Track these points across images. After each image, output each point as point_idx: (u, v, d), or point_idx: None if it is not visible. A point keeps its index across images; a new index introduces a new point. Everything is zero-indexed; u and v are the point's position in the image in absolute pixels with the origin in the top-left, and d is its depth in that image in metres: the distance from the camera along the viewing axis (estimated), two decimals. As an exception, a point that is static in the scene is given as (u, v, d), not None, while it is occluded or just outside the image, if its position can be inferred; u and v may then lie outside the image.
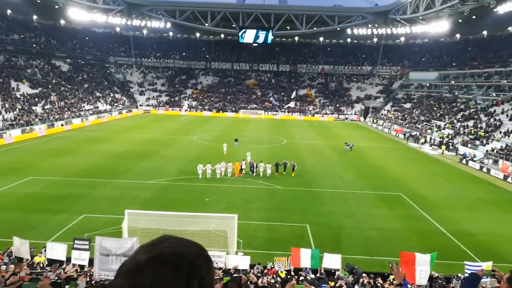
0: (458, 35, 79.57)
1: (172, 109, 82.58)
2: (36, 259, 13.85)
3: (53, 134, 48.86)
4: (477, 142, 44.45)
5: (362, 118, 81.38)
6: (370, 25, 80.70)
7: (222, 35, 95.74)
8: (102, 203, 22.57)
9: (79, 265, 13.41)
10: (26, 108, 52.47)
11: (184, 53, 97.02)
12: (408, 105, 74.28)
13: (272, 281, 12.11)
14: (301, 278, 12.86)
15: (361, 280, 12.29)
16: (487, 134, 45.81)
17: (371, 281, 12.30)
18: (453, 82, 72.21)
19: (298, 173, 31.08)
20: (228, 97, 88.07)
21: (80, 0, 69.24)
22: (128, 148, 39.93)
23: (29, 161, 32.97)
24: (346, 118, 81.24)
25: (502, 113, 49.62)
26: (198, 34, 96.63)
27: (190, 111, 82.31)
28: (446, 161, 41.08)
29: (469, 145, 44.53)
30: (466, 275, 12.12)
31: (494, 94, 57.29)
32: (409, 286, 11.06)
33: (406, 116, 68.41)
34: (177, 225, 15.70)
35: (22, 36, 71.66)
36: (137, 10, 79.39)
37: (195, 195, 25.09)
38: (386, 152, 44.61)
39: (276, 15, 79.27)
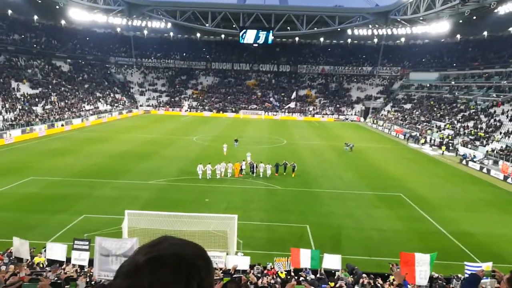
0: (458, 36, 79.57)
1: (173, 110, 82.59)
2: (36, 260, 13.86)
3: (53, 134, 48.88)
4: (477, 143, 44.42)
5: (362, 119, 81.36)
6: (370, 26, 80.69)
7: (223, 36, 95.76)
8: (102, 204, 22.57)
9: (79, 266, 13.40)
10: (26, 108, 52.50)
11: (184, 54, 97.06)
12: (408, 106, 74.26)
13: (272, 281, 12.11)
14: (301, 278, 12.85)
15: (361, 280, 12.28)
16: (487, 135, 45.79)
17: (371, 281, 12.30)
18: (453, 82, 72.19)
19: (298, 173, 31.07)
20: (229, 97, 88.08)
21: (80, 0, 69.31)
22: (128, 149, 39.93)
23: (29, 161, 32.98)
24: (346, 119, 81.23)
25: (502, 113, 49.58)
26: (198, 35, 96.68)
27: (190, 111, 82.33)
28: (446, 162, 41.07)
29: (469, 146, 44.51)
30: (466, 275, 12.12)
31: (494, 95, 57.25)
32: (409, 286, 11.05)
33: (406, 116, 68.39)
34: (177, 225, 15.70)
35: (22, 36, 71.71)
36: (138, 11, 79.44)
37: (195, 195, 25.09)
38: (386, 153, 44.60)
39: (277, 15, 79.30)
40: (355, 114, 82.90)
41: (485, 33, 72.90)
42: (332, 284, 11.93)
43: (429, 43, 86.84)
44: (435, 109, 65.02)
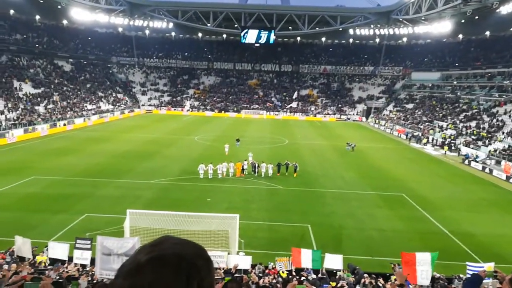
0: (460, 36, 79.36)
1: (174, 109, 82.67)
2: (38, 258, 13.89)
3: (56, 133, 48.99)
4: (480, 143, 44.31)
5: (364, 119, 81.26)
6: (372, 26, 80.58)
7: (224, 35, 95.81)
8: (104, 203, 22.61)
9: (81, 265, 13.43)
10: (28, 107, 52.63)
11: (186, 53, 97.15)
12: (410, 106, 74.12)
13: (274, 281, 12.11)
14: (303, 278, 12.85)
15: (362, 280, 12.27)
16: (490, 135, 45.67)
17: (373, 281, 12.28)
18: (455, 82, 72.03)
19: (299, 173, 31.06)
20: (230, 97, 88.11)
21: (82, 0, 69.45)
22: (130, 148, 40.00)
23: (31, 160, 33.06)
24: (348, 119, 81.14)
25: (505, 113, 49.46)
26: (200, 34, 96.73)
27: (192, 111, 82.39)
28: (448, 162, 40.99)
29: (471, 146, 44.41)
30: (468, 275, 12.09)
31: (496, 95, 57.09)
32: (410, 286, 11.03)
33: (408, 116, 68.27)
34: (179, 225, 15.72)
35: (24, 36, 71.91)
36: (140, 10, 79.57)
37: (197, 195, 25.12)
38: (388, 153, 44.54)
39: (278, 15, 79.29)
40: (357, 114, 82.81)
41: (487, 32, 72.72)
42: (334, 284, 11.92)
43: (431, 43, 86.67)
44: (437, 109, 64.88)
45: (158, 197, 24.41)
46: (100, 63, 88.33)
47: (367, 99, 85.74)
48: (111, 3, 73.42)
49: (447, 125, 55.10)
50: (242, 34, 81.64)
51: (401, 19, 75.13)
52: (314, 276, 13.41)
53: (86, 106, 64.86)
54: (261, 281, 11.65)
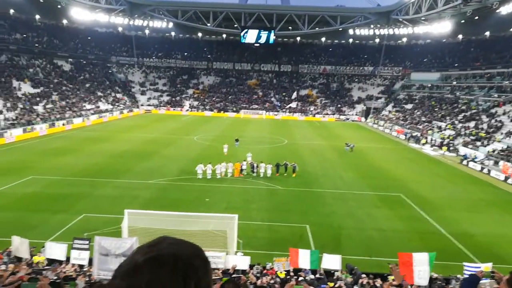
0: (460, 36, 79.40)
1: (173, 109, 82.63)
2: (36, 259, 13.86)
3: (54, 133, 48.96)
4: (478, 143, 44.33)
5: (363, 119, 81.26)
6: (372, 26, 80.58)
7: (224, 35, 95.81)
8: (102, 203, 22.58)
9: (79, 265, 13.41)
10: (27, 107, 52.58)
11: (186, 53, 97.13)
12: (409, 106, 74.14)
13: (272, 281, 12.10)
14: (300, 278, 12.84)
15: (360, 280, 12.26)
16: (488, 135, 45.69)
17: (371, 281, 12.28)
18: (454, 83, 72.06)
19: (299, 173, 31.03)
20: (230, 97, 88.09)
21: (82, 0, 69.41)
22: (129, 148, 39.97)
23: (30, 160, 33.02)
24: (347, 119, 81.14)
25: (504, 114, 49.47)
26: (200, 34, 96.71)
27: (191, 111, 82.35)
28: (447, 162, 41.00)
29: (470, 146, 44.43)
30: (466, 276, 12.09)
31: (495, 95, 57.11)
32: (408, 287, 11.01)
33: (407, 116, 68.28)
34: (177, 225, 15.70)
35: (24, 35, 71.85)
36: (140, 10, 79.53)
37: (196, 195, 25.10)
38: (387, 153, 44.54)
39: (278, 15, 79.28)
40: (356, 114, 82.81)
41: (487, 33, 72.76)
42: (332, 284, 11.92)
43: (430, 43, 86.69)
44: (436, 109, 64.91)
45: (157, 197, 24.38)
46: (99, 62, 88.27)
47: (366, 99, 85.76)
48: (111, 2, 73.38)
49: (446, 126, 55.12)
50: (242, 34, 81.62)
51: (401, 19, 75.15)
52: (312, 276, 13.40)
53: (85, 106, 64.81)
54: (259, 282, 11.64)
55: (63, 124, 53.33)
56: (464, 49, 78.50)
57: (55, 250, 13.65)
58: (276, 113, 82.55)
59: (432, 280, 12.46)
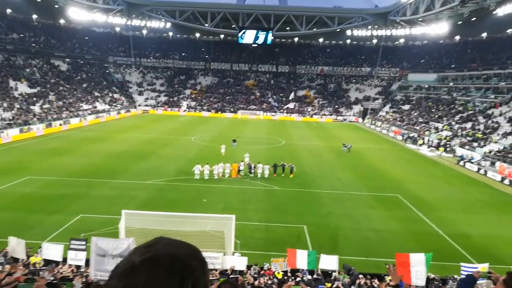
0: (457, 37, 79.71)
1: (171, 110, 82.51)
2: (32, 259, 13.80)
3: (51, 133, 48.77)
4: (475, 144, 44.52)
5: (360, 119, 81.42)
6: (369, 27, 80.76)
7: (222, 36, 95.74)
8: (99, 203, 22.52)
9: (76, 266, 13.36)
10: (24, 107, 52.38)
11: (183, 54, 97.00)
12: (406, 107, 74.36)
13: (269, 282, 12.10)
14: (298, 279, 12.84)
15: (357, 281, 12.28)
16: (485, 136, 45.88)
17: (368, 282, 12.30)
18: (451, 84, 72.34)
19: (296, 174, 31.05)
20: (227, 97, 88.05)
21: (80, 0, 69.23)
22: (126, 148, 39.87)
23: (27, 160, 32.89)
24: (345, 119, 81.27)
25: (500, 115, 49.72)
26: (197, 35, 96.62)
27: (188, 111, 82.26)
28: (444, 163, 41.14)
29: (466, 147, 44.59)
30: (462, 276, 12.13)
31: (492, 96, 57.40)
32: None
33: (404, 117, 68.47)
34: (174, 225, 15.68)
35: (21, 35, 71.54)
36: (137, 10, 79.36)
37: (193, 195, 25.07)
38: (384, 154, 44.64)
39: (276, 15, 79.30)
40: (353, 115, 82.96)
41: (484, 34, 73.05)
42: (329, 285, 11.92)
43: (428, 44, 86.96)
44: (433, 110, 65.14)
45: (154, 197, 24.34)
46: (97, 63, 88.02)
47: (364, 100, 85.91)
48: (109, 2, 73.21)
49: (443, 126, 55.31)
50: (240, 34, 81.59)
51: (398, 20, 75.35)
52: (309, 277, 13.41)
53: (82, 106, 64.62)
54: (256, 282, 11.64)
55: (60, 124, 53.16)
56: (461, 50, 78.81)
57: (51, 250, 13.59)
58: (273, 113, 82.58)
59: (429, 280, 12.50)
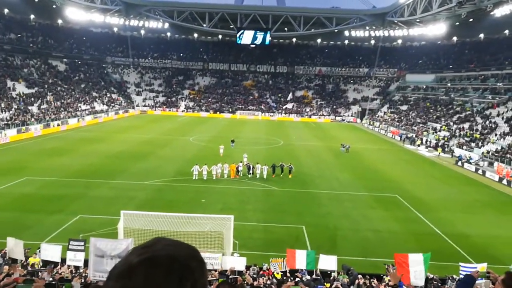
0: (455, 38, 79.96)
1: (169, 110, 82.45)
2: (31, 260, 13.76)
3: (49, 134, 48.64)
4: (473, 144, 44.65)
5: (358, 120, 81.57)
6: (367, 27, 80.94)
7: (220, 36, 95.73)
8: (97, 204, 22.46)
9: (74, 266, 13.32)
10: (22, 107, 52.22)
11: (181, 54, 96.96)
12: (404, 107, 74.53)
13: (268, 282, 12.10)
14: (297, 279, 12.85)
15: (356, 281, 12.29)
16: (483, 137, 46.03)
17: (367, 282, 12.31)
18: (449, 84, 72.54)
19: (295, 174, 31.06)
20: (225, 98, 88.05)
21: (77, 0, 69.06)
22: (124, 149, 39.80)
23: (25, 161, 32.79)
24: (343, 120, 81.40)
25: (498, 115, 49.88)
26: (195, 35, 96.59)
27: (187, 111, 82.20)
28: (442, 163, 41.23)
29: (464, 147, 44.73)
30: (461, 276, 12.16)
31: (490, 97, 57.59)
32: (404, 287, 11.05)
33: (402, 118, 68.62)
34: (173, 226, 15.67)
35: (19, 35, 71.39)
36: (135, 10, 79.25)
37: (191, 196, 25.04)
38: (382, 154, 44.72)
39: (274, 16, 79.31)
40: (351, 115, 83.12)
41: (482, 35, 73.34)
42: (328, 285, 11.93)
43: (425, 45, 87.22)
44: (431, 110, 65.30)
45: (153, 198, 24.30)
46: (94, 63, 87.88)
47: (362, 100, 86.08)
48: (107, 2, 73.06)
49: (441, 127, 55.46)
50: (238, 35, 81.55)
51: (396, 21, 75.49)
52: (308, 277, 13.42)
53: (80, 107, 64.47)
54: (255, 283, 11.64)
55: (58, 125, 53.02)
56: (459, 51, 79.07)
57: (50, 251, 13.54)
58: (272, 114, 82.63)
59: (428, 280, 12.53)
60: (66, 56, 79.85)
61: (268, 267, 14.20)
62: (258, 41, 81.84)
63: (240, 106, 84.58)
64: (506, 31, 67.11)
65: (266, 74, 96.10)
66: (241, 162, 31.46)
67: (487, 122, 49.73)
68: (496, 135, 44.95)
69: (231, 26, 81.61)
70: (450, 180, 33.40)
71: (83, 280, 11.15)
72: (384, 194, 27.33)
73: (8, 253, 13.39)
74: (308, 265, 13.72)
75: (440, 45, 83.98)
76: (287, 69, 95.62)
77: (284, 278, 13.02)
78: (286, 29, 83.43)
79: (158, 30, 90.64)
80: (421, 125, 60.65)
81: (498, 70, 62.46)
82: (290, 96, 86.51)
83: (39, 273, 11.55)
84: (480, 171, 36.62)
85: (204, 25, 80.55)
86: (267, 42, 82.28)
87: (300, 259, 13.65)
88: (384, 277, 13.35)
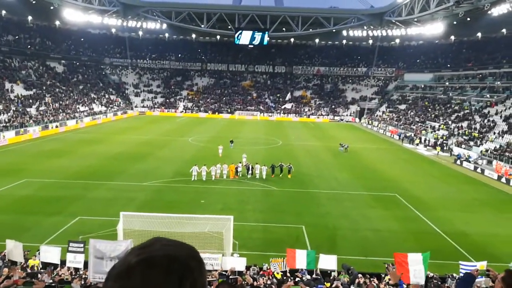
0: (452, 37, 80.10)
1: (168, 111, 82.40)
2: (31, 262, 13.74)
3: (48, 136, 48.57)
4: (471, 143, 44.75)
5: (357, 119, 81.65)
6: (365, 27, 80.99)
7: (218, 37, 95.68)
8: (97, 205, 22.43)
9: (74, 268, 13.30)
10: (20, 109, 52.12)
11: (179, 55, 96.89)
12: (403, 106, 74.63)
13: (268, 282, 12.10)
14: (297, 279, 12.85)
15: (356, 280, 12.31)
16: (481, 135, 46.14)
17: (367, 281, 12.33)
18: (447, 83, 72.69)
19: (294, 174, 31.07)
20: (224, 98, 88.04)
21: (75, 1, 68.88)
22: (123, 150, 39.75)
23: (23, 163, 32.72)
24: (341, 119, 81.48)
25: (496, 114, 49.99)
26: (194, 35, 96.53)
27: (185, 112, 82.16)
28: (441, 162, 41.30)
29: (463, 146, 44.82)
30: (461, 275, 12.19)
31: (488, 96, 57.72)
32: (404, 286, 11.08)
33: (401, 117, 68.73)
34: (173, 227, 15.65)
35: (16, 37, 71.24)
36: (133, 11, 79.11)
37: (191, 196, 25.03)
38: (381, 153, 44.77)
39: (272, 16, 79.26)
40: (350, 115, 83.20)
41: (479, 34, 73.48)
42: (328, 285, 11.95)
43: (423, 44, 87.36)
44: (430, 109, 65.41)
45: (152, 199, 24.28)
46: (93, 64, 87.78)
47: (360, 100, 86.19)
48: (104, 4, 72.90)
49: (439, 126, 55.56)
50: (236, 35, 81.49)
51: (394, 21, 75.52)
52: (308, 276, 13.43)
53: (78, 108, 64.40)
54: (255, 283, 11.65)
55: (57, 126, 52.92)
56: (457, 50, 79.25)
57: (50, 253, 13.53)
58: (270, 114, 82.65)
59: (428, 279, 12.55)
60: (64, 57, 79.74)
61: (268, 267, 14.20)
62: (256, 41, 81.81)
63: (239, 107, 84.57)
64: (504, 30, 67.28)
65: (264, 74, 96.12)
66: (240, 162, 31.45)
67: (486, 121, 49.85)
68: (494, 133, 45.05)
69: (229, 27, 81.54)
70: (449, 179, 33.46)
71: (83, 282, 11.14)
72: (383, 193, 27.36)
73: (7, 255, 13.36)
74: (308, 265, 13.73)
75: (438, 44, 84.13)
76: (285, 69, 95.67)
77: (284, 278, 13.03)
78: (284, 29, 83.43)
79: (156, 31, 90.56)
80: (419, 124, 60.75)
81: (496, 68, 62.64)
82: (288, 96, 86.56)
83: (39, 275, 11.54)
84: (478, 170, 36.70)
85: (202, 25, 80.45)
86: (265, 42, 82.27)
87: (300, 259, 13.66)
88: (385, 276, 13.37)
